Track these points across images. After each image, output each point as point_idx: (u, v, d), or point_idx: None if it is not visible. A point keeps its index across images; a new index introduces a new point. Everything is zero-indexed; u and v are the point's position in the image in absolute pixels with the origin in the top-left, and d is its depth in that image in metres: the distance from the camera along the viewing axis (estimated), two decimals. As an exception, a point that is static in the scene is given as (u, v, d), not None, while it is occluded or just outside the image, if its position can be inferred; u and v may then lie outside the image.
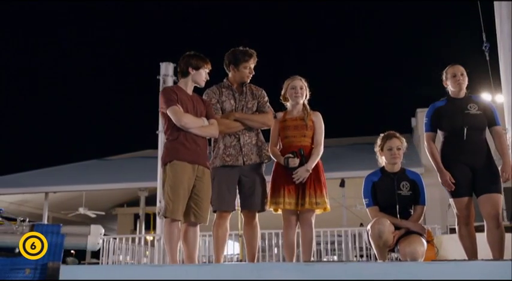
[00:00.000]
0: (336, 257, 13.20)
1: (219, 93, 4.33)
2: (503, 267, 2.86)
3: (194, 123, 3.93)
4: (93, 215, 16.07)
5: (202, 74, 4.07)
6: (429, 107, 4.34)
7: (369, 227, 4.01)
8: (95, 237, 1.50)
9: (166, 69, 11.46)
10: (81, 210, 15.41)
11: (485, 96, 9.70)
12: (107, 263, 11.24)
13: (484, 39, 7.35)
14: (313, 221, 4.28)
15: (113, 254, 11.07)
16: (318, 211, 4.25)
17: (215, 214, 4.24)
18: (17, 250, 1.39)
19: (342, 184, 13.57)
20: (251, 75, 4.34)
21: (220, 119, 4.19)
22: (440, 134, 4.29)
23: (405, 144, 4.28)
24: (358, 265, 3.34)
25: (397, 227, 4.03)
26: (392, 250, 4.09)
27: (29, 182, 14.46)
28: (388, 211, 4.08)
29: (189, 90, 4.08)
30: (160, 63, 11.71)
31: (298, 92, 4.32)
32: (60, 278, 1.38)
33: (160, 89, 11.57)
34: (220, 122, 4.15)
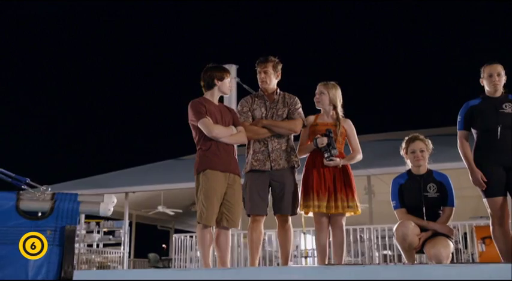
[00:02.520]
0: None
1: (252, 101, 4.54)
2: (503, 270, 2.86)
3: (224, 133, 4.14)
4: (172, 213, 16.70)
5: (227, 83, 4.30)
6: (463, 105, 4.30)
7: (394, 229, 4.06)
8: (107, 204, 1.71)
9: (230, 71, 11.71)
10: (160, 208, 16.05)
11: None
12: (180, 259, 11.77)
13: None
14: (343, 224, 4.37)
15: (187, 251, 11.54)
16: (348, 214, 4.34)
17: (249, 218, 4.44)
18: (39, 214, 1.65)
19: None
20: (267, 80, 4.50)
21: (249, 126, 4.39)
22: (474, 133, 4.25)
23: (430, 146, 4.27)
24: (375, 268, 3.43)
25: (424, 229, 4.05)
26: (421, 252, 4.11)
27: (110, 183, 15.21)
28: (415, 213, 4.10)
29: (215, 101, 4.30)
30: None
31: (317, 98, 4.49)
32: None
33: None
34: (249, 129, 4.35)
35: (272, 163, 4.35)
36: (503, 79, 4.20)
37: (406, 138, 4.33)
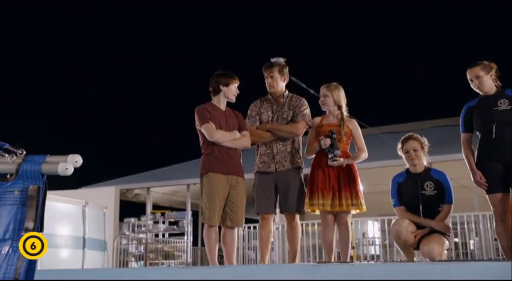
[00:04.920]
0: (472, 241, 12.69)
1: (260, 105, 4.73)
2: (503, 268, 2.90)
3: (226, 138, 4.35)
4: (230, 202, 17.07)
5: (232, 89, 4.49)
6: (463, 108, 4.31)
7: (391, 227, 4.14)
8: (66, 164, 1.82)
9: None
10: (221, 199, 16.43)
11: None
12: (239, 248, 12.12)
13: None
14: (349, 221, 4.50)
15: (250, 240, 11.84)
16: (353, 211, 4.46)
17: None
18: (8, 176, 1.85)
19: (470, 165, 12.92)
20: (274, 85, 4.66)
21: (255, 130, 4.59)
22: (477, 133, 4.26)
23: (426, 143, 4.30)
24: (364, 265, 3.55)
25: (422, 227, 4.10)
26: (419, 248, 4.17)
27: (174, 176, 15.73)
28: (413, 211, 4.18)
29: (222, 106, 4.50)
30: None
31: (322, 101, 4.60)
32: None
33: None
34: (254, 133, 4.55)
35: (277, 165, 4.54)
36: (485, 79, 4.13)
37: (402, 138, 4.38)
